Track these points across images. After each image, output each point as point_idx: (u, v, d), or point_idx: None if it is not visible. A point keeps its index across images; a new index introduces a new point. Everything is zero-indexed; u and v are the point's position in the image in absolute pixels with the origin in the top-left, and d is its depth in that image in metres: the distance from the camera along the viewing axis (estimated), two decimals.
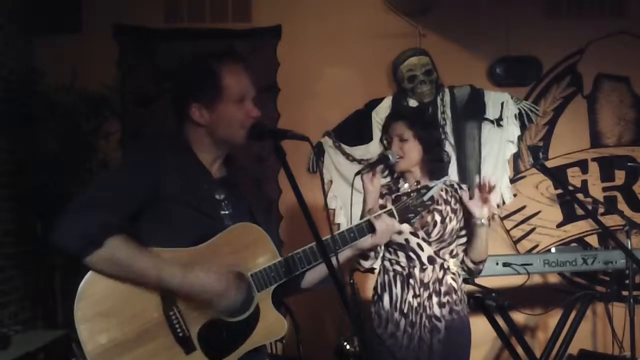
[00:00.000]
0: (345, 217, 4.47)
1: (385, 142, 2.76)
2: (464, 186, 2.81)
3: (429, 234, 2.67)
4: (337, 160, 4.59)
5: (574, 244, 4.61)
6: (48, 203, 3.75)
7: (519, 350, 4.06)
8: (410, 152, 2.66)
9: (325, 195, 2.04)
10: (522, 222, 4.67)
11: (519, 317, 4.43)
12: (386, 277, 2.73)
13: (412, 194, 2.04)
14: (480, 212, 2.62)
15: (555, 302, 4.36)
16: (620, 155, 4.68)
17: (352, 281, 3.76)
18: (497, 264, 3.91)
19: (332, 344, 3.92)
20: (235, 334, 1.87)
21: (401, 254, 2.69)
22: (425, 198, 2.04)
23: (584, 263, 4.02)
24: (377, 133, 4.55)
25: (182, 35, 4.53)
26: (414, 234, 2.67)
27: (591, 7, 4.69)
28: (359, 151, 4.58)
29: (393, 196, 2.66)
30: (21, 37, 4.30)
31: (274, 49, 4.61)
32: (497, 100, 4.62)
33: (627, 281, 3.98)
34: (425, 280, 2.66)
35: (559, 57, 4.69)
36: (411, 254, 2.68)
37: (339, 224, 4.45)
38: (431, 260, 2.67)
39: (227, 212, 1.94)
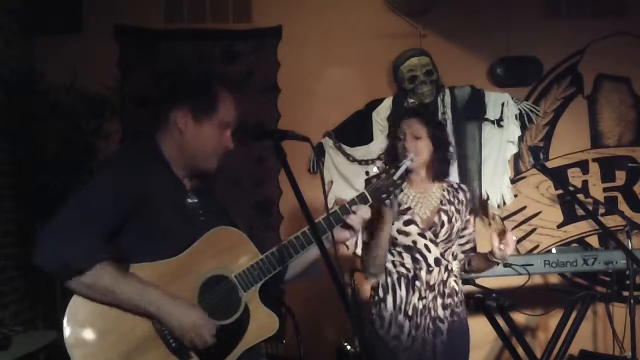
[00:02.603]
0: None
1: (393, 136, 2.71)
2: (464, 187, 2.81)
3: (436, 235, 2.64)
4: (338, 160, 4.59)
5: (574, 245, 4.61)
6: (48, 203, 3.74)
7: (520, 350, 4.05)
8: (423, 151, 2.64)
9: (325, 195, 2.03)
10: (523, 222, 4.68)
11: (519, 317, 4.42)
12: (389, 279, 2.68)
13: (381, 175, 2.05)
14: (502, 255, 2.64)
15: (555, 303, 4.36)
16: (620, 156, 4.69)
17: (352, 281, 3.75)
18: (498, 264, 3.90)
19: (332, 344, 3.92)
20: (228, 337, 1.87)
21: (407, 256, 2.65)
22: (395, 177, 2.06)
23: (584, 263, 4.02)
24: (377, 133, 4.56)
25: (182, 36, 4.54)
26: (422, 234, 2.64)
27: (591, 7, 4.69)
28: (359, 152, 4.58)
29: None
30: (21, 37, 4.30)
31: (274, 49, 4.61)
32: (497, 101, 4.62)
33: (627, 281, 3.98)
34: (431, 282, 2.63)
35: (559, 57, 4.70)
36: (418, 255, 2.64)
37: None
38: (437, 262, 2.64)
39: (203, 219, 1.94)
